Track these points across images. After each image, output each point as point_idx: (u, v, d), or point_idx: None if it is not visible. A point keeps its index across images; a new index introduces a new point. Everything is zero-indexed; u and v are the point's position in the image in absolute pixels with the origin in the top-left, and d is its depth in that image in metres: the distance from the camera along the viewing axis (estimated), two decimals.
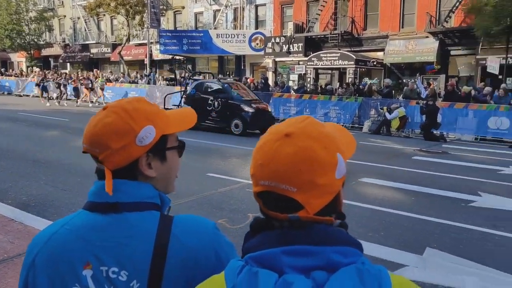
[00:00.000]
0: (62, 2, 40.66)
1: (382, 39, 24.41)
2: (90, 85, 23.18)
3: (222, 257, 0.96)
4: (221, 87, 14.03)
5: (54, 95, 24.12)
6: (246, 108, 13.27)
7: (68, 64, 41.02)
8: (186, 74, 19.12)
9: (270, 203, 0.80)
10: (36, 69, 32.13)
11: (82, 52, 38.66)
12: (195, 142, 10.76)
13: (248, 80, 19.76)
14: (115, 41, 35.74)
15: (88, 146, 0.98)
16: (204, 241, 0.96)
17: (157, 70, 35.48)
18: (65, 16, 40.83)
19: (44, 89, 23.45)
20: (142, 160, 0.98)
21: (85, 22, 38.26)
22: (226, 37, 29.42)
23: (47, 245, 0.96)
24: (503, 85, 14.40)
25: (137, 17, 31.01)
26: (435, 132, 13.92)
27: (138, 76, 28.41)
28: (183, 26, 33.88)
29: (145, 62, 31.71)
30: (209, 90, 14.18)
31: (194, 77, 16.80)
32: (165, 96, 16.53)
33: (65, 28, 41.20)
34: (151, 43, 32.44)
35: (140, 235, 0.93)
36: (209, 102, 13.74)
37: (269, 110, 14.77)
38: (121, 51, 32.50)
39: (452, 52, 22.75)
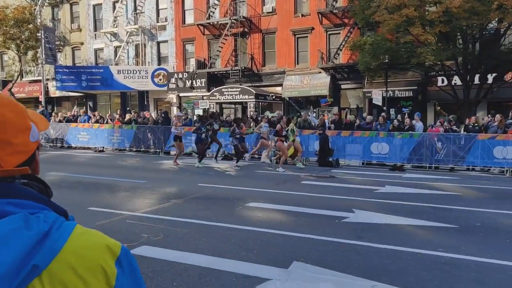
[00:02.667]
0: None
1: (280, 74, 25.78)
2: None
3: None
4: None
5: None
6: None
7: None
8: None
9: None
10: None
11: None
12: (80, 177, 10.22)
13: (146, 114, 19.50)
14: (5, 78, 33.29)
15: None
16: None
17: (55, 107, 33.60)
18: None
19: None
20: None
21: None
22: (128, 73, 28.95)
23: None
24: (382, 114, 15.85)
25: (30, 53, 29.32)
26: (330, 159, 14.76)
27: None
28: (83, 62, 32.75)
29: (39, 100, 29.88)
30: None
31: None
32: None
33: None
34: (47, 79, 30.78)
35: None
36: None
37: None
38: (11, 88, 30.30)
39: (343, 86, 24.70)
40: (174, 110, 28.36)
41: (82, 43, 32.96)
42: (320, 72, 24.56)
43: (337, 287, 3.96)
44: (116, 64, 30.50)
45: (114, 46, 31.70)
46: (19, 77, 31.03)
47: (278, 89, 25.71)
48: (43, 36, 27.46)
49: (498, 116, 13.50)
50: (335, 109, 24.26)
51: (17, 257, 0.77)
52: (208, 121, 13.76)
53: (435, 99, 22.17)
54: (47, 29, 29.09)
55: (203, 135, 13.48)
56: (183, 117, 18.13)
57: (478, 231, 6.08)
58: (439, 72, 20.28)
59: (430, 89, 21.98)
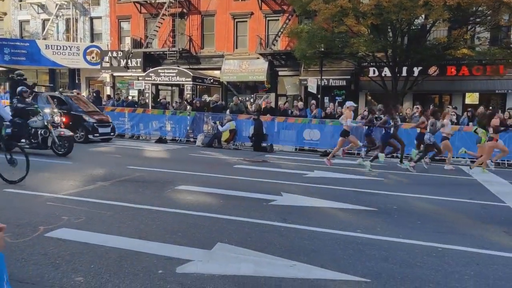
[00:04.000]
0: None
1: (219, 58, 25.57)
2: None
3: None
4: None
5: None
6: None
7: None
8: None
9: None
10: None
11: None
12: None
13: (75, 92, 18.59)
14: None
15: None
16: None
17: None
18: None
19: None
20: None
21: None
22: (57, 49, 27.27)
23: None
24: (312, 101, 16.32)
25: None
26: (264, 144, 14.99)
27: None
28: (6, 34, 30.33)
29: None
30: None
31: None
32: None
33: None
34: None
35: None
36: None
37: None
38: None
39: (280, 73, 25.03)
40: (108, 90, 27.26)
41: (5, 14, 30.48)
42: (258, 58, 24.68)
43: (258, 267, 4.06)
44: (44, 39, 28.61)
45: (42, 19, 29.67)
46: None
47: (217, 72, 25.53)
48: None
49: (418, 107, 14.44)
50: (272, 95, 24.58)
51: None
52: (391, 113, 11.43)
53: (366, 89, 23.16)
54: None
55: (391, 130, 11.41)
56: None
57: (394, 214, 6.50)
58: (371, 63, 21.18)
59: (362, 79, 22.92)
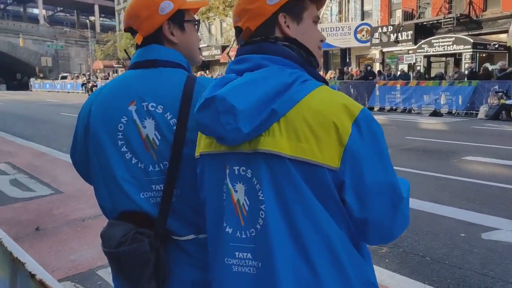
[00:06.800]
0: None
1: (505, 19, 21.99)
2: None
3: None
4: None
5: None
6: None
7: None
8: None
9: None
10: None
11: None
12: None
13: (350, 70, 19.42)
14: (224, 43, 37.71)
15: (126, 21, 1.27)
16: None
17: None
18: None
19: None
20: (165, 27, 1.23)
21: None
22: (330, 31, 29.11)
23: (99, 95, 1.26)
24: None
25: None
26: None
27: None
28: None
29: None
30: None
31: None
32: None
33: None
34: None
35: (172, 82, 1.19)
36: None
37: None
38: (229, 51, 34.16)
39: None
40: (377, 66, 27.52)
41: None
42: None
43: None
44: (320, 23, 31.02)
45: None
46: (235, 41, 34.68)
47: (502, 36, 22.06)
48: None
49: None
50: None
51: (259, 100, 0.87)
52: None
53: None
54: None
55: None
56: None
57: None
58: None
59: None
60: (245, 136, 0.88)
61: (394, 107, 17.27)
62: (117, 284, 1.23)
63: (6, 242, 0.76)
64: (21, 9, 63.36)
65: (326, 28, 29.45)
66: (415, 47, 23.94)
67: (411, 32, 25.08)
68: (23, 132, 10.88)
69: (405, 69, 25.95)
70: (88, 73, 39.02)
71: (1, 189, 5.38)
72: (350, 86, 18.73)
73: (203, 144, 1.01)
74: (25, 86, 47.04)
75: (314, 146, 0.85)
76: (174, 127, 1.14)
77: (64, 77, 42.44)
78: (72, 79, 39.80)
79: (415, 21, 25.08)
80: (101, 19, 62.15)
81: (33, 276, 0.64)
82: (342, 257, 0.88)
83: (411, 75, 19.37)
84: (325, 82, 1.00)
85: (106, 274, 2.96)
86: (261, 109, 0.87)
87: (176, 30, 1.25)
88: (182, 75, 1.20)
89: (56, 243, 3.59)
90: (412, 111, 16.83)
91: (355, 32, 28.35)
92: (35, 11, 62.82)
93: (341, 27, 29.08)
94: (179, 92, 1.15)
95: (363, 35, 28.18)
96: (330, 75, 21.32)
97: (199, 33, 1.30)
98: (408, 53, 25.49)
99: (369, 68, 19.85)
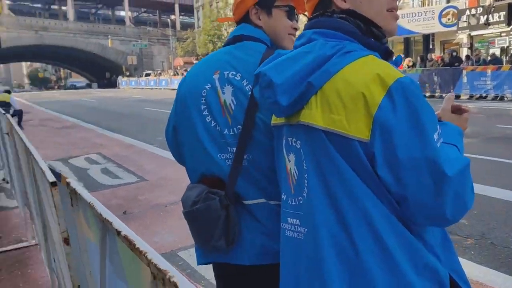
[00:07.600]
0: None
1: None
2: None
3: None
4: None
5: None
6: None
7: None
8: None
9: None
10: None
11: None
12: None
13: (433, 56, 18.32)
14: None
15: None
16: None
17: None
18: None
19: None
20: (251, 11, 1.32)
21: None
22: (412, 17, 27.71)
23: (193, 68, 1.41)
24: None
25: None
26: None
27: None
28: None
29: None
30: None
31: None
32: None
33: None
34: None
35: (252, 53, 1.27)
36: None
37: None
38: None
39: None
40: (464, 51, 25.68)
41: None
42: None
43: None
44: (400, 9, 29.62)
45: None
46: None
47: None
48: None
49: None
50: None
51: (296, 74, 0.91)
52: None
53: None
54: None
55: None
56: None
57: None
58: None
59: None
60: (285, 109, 0.92)
61: (483, 95, 16.02)
62: (197, 248, 1.33)
63: (97, 206, 0.85)
64: (110, 12, 68.26)
65: (407, 14, 28.09)
66: (508, 29, 21.99)
67: (504, 13, 23.02)
68: (112, 126, 11.76)
69: (497, 53, 23.91)
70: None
71: (93, 177, 5.90)
72: (434, 74, 17.68)
73: (273, 116, 1.07)
74: (113, 84, 50.73)
75: (343, 117, 0.85)
76: (249, 93, 1.21)
77: (147, 74, 45.09)
78: (155, 76, 42.17)
79: (508, 0, 22.96)
80: (180, 17, 64.97)
81: (119, 233, 0.71)
82: (383, 232, 0.86)
83: (504, 60, 17.81)
84: (387, 53, 1.01)
85: (187, 255, 3.13)
86: (298, 82, 0.90)
87: (263, 15, 1.32)
88: (262, 48, 1.28)
89: (142, 226, 3.85)
90: (505, 98, 15.50)
91: (440, 16, 26.66)
92: (122, 13, 67.37)
93: (424, 11, 27.53)
94: (257, 61, 1.21)
95: (449, 19, 26.41)
96: (407, 63, 20.29)
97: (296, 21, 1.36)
98: (501, 36, 23.46)
99: (454, 54, 18.55)
